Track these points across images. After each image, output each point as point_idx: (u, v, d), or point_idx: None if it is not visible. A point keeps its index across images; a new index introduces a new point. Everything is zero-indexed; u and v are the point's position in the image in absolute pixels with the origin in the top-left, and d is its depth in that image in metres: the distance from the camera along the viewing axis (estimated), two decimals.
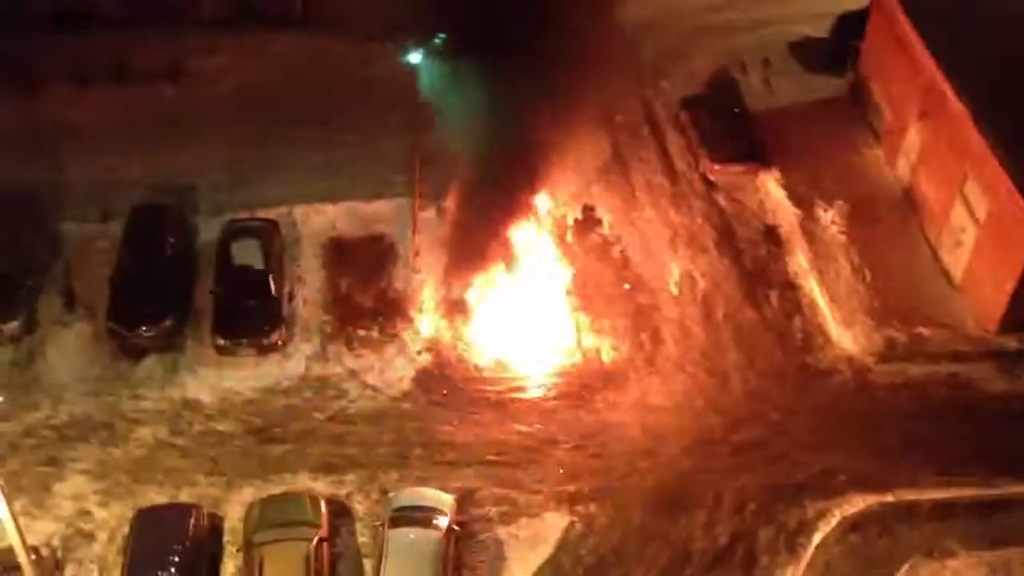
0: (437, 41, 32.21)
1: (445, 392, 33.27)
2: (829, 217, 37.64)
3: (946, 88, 35.59)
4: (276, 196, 37.68)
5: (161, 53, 41.81)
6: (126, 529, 28.77)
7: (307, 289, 35.53)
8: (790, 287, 36.29)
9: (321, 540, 28.29)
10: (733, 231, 37.97)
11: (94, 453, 31.14)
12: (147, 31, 41.96)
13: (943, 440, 31.85)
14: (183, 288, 34.67)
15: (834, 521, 30.13)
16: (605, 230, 37.92)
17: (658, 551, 29.66)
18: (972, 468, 31.05)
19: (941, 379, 33.75)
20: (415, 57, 31.79)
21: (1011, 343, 34.33)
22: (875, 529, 29.91)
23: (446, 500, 29.47)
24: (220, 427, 32.02)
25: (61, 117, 39.60)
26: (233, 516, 29.78)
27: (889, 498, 30.57)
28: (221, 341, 33.24)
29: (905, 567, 28.91)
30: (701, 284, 36.36)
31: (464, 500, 30.14)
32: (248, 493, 30.20)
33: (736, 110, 41.28)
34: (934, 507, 30.36)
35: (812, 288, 36.10)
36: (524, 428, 32.40)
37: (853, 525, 30.03)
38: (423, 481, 30.52)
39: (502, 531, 29.89)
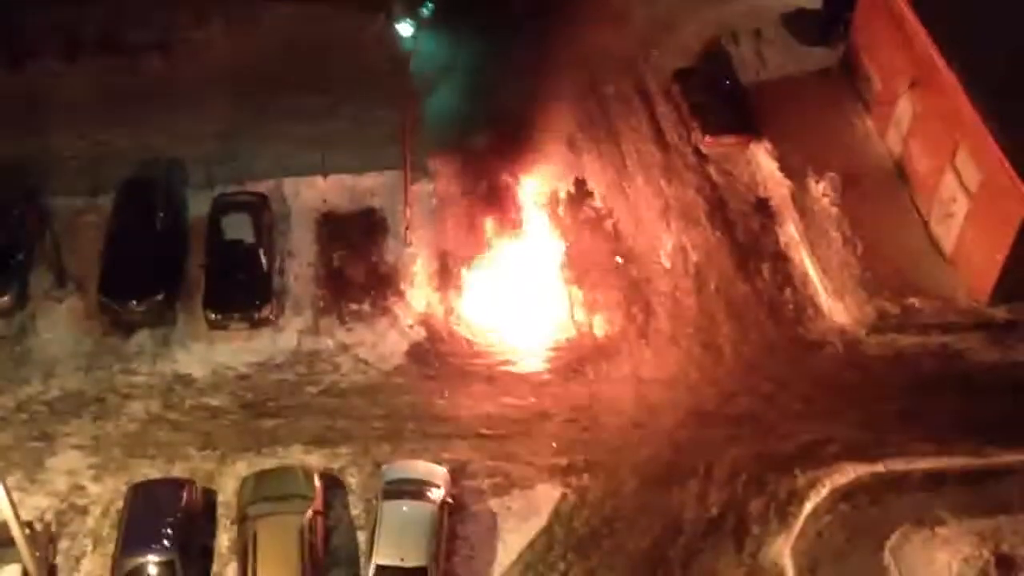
0: (425, 10, 32.04)
1: (437, 365, 33.29)
2: (820, 189, 37.61)
3: (937, 58, 35.52)
4: (266, 169, 37.57)
5: (151, 24, 41.53)
6: (120, 503, 28.86)
7: (298, 263, 35.48)
8: (782, 259, 36.32)
9: (315, 513, 28.38)
10: (725, 203, 37.95)
11: (87, 428, 31.16)
12: (136, 2, 41.58)
13: (934, 410, 32.00)
14: (174, 262, 34.59)
15: (825, 491, 30.30)
16: (597, 203, 37.86)
17: (650, 522, 29.83)
18: (962, 437, 31.21)
19: (932, 350, 33.86)
20: (405, 27, 31.60)
21: (1001, 314, 34.42)
22: (866, 498, 30.10)
23: (439, 472, 29.56)
24: (213, 401, 32.03)
25: (50, 90, 39.41)
26: (227, 490, 29.86)
27: (880, 468, 30.73)
28: (212, 315, 33.20)
29: (895, 535, 29.12)
30: (693, 257, 36.37)
31: (457, 472, 30.22)
32: (241, 467, 30.26)
33: (728, 82, 41.19)
34: (924, 476, 30.54)
35: (803, 260, 36.15)
36: (517, 401, 32.47)
37: (844, 495, 30.20)
38: (416, 454, 30.60)
39: (495, 503, 30.02)
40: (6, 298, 33.36)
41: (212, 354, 33.03)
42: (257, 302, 33.43)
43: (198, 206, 36.27)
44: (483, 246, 36.19)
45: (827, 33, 42.82)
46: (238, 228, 34.66)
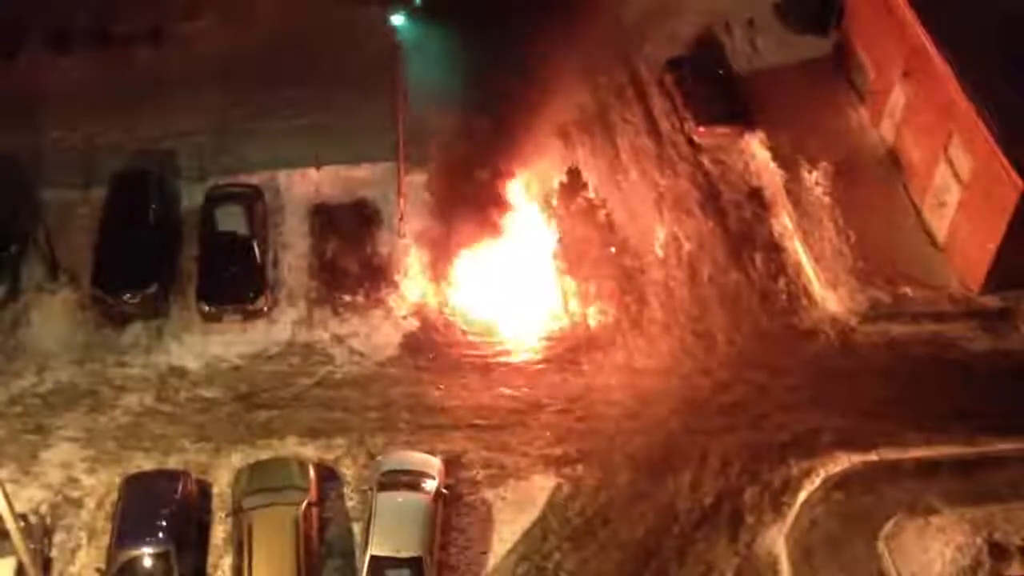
0: (418, 1, 31.97)
1: (432, 356, 33.30)
2: (813, 178, 37.66)
3: (930, 47, 35.53)
4: (259, 161, 37.50)
5: (142, 16, 41.40)
6: (114, 496, 28.86)
7: (292, 255, 35.45)
8: (775, 248, 36.37)
9: (310, 504, 28.41)
10: (718, 193, 37.97)
11: (81, 420, 31.14)
12: None
13: (926, 399, 32.09)
14: (167, 254, 34.53)
15: (818, 480, 30.38)
16: (590, 193, 37.84)
17: (645, 511, 29.89)
18: (955, 426, 31.30)
19: (924, 339, 33.95)
20: (398, 19, 31.57)
21: (993, 302, 34.53)
22: (859, 487, 30.18)
23: (434, 463, 29.59)
24: (207, 393, 32.02)
25: (41, 82, 39.28)
26: (221, 482, 29.88)
27: (873, 456, 30.82)
28: (206, 307, 33.18)
29: (889, 524, 29.22)
30: (686, 246, 36.40)
31: (452, 463, 30.27)
32: (236, 459, 30.29)
33: (721, 71, 41.16)
34: (917, 465, 30.62)
35: (797, 249, 36.19)
36: (511, 392, 32.50)
37: (837, 483, 30.28)
38: (410, 445, 30.64)
39: (490, 494, 30.07)
40: None
41: (206, 346, 33.01)
42: (251, 294, 33.41)
43: (191, 198, 36.25)
44: (477, 237, 36.14)
45: (820, 22, 42.78)
46: (231, 220, 34.61)
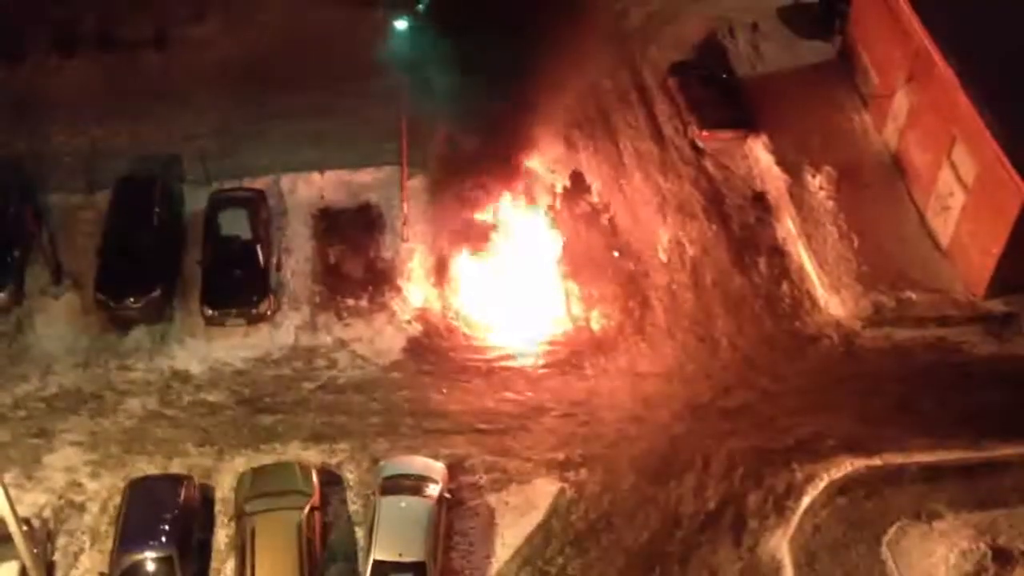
0: (421, 6, 31.97)
1: (435, 361, 33.29)
2: (817, 182, 37.64)
3: (933, 51, 35.50)
4: (263, 165, 37.55)
5: (147, 20, 41.50)
6: (117, 500, 28.88)
7: (295, 259, 35.47)
8: (778, 253, 36.32)
9: (313, 509, 28.40)
10: (721, 197, 37.95)
11: (84, 424, 31.16)
12: None
13: (930, 403, 32.01)
14: (171, 259, 34.57)
15: (822, 484, 30.30)
16: (594, 197, 37.88)
17: (648, 516, 29.86)
18: (959, 431, 31.22)
19: (928, 343, 33.87)
20: (401, 23, 31.62)
21: (998, 307, 34.45)
22: (863, 492, 30.10)
23: (437, 468, 29.58)
24: (210, 397, 32.04)
25: (45, 86, 39.36)
26: (224, 486, 29.88)
27: (877, 461, 30.74)
28: (209, 312, 33.20)
29: (893, 529, 29.17)
30: (690, 251, 36.38)
31: (455, 468, 30.25)
32: (239, 463, 30.28)
33: (724, 76, 41.17)
34: (921, 470, 30.54)
35: (800, 253, 36.15)
36: (514, 396, 32.49)
37: (841, 488, 30.21)
38: (413, 449, 30.62)
39: (493, 498, 30.04)
40: (3, 295, 33.32)
41: (209, 350, 33.03)
42: (254, 298, 33.42)
43: (195, 202, 36.26)
44: (480, 241, 36.18)
45: (824, 27, 42.79)
46: (235, 224, 34.63)
